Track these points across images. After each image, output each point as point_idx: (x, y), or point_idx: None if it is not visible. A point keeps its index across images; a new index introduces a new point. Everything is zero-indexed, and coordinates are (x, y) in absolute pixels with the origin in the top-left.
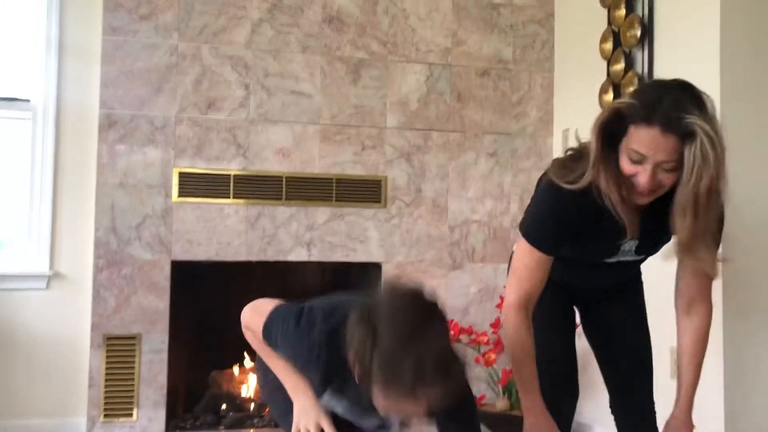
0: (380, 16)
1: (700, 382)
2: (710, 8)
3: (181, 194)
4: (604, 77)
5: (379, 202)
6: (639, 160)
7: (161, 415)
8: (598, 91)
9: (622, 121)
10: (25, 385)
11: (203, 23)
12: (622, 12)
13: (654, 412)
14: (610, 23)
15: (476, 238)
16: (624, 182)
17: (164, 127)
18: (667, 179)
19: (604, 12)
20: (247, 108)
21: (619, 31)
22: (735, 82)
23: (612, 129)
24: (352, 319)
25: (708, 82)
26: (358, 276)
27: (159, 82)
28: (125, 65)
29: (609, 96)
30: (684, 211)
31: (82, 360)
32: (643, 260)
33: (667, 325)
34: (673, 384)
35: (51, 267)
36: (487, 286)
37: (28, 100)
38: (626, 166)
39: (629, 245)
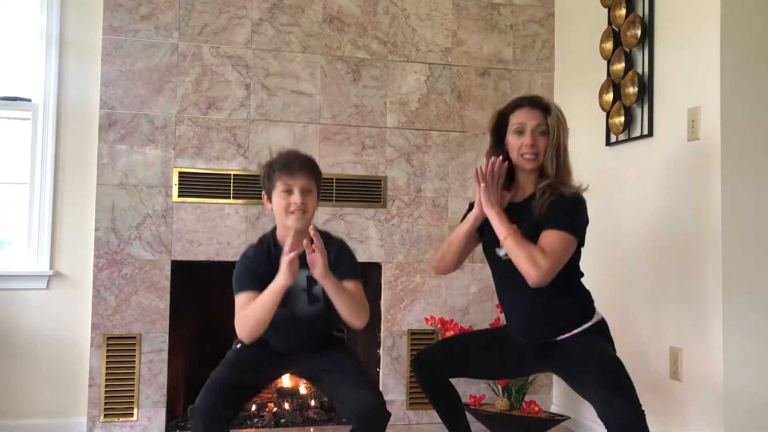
0: (380, 16)
1: (700, 383)
2: (710, 8)
3: (181, 194)
4: (604, 77)
5: (379, 202)
6: (520, 130)
7: (161, 415)
8: (598, 90)
9: (503, 119)
10: (26, 385)
11: (203, 23)
12: (623, 12)
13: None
14: (610, 23)
15: None
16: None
17: (164, 127)
18: (541, 141)
19: (605, 12)
20: (247, 108)
21: (619, 30)
22: (735, 82)
23: (498, 130)
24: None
25: (708, 82)
26: None
27: (159, 81)
28: (126, 65)
29: (609, 96)
30: (552, 157)
31: (82, 360)
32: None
33: (667, 325)
34: (674, 384)
35: (51, 267)
36: (487, 286)
37: (28, 100)
38: (513, 141)
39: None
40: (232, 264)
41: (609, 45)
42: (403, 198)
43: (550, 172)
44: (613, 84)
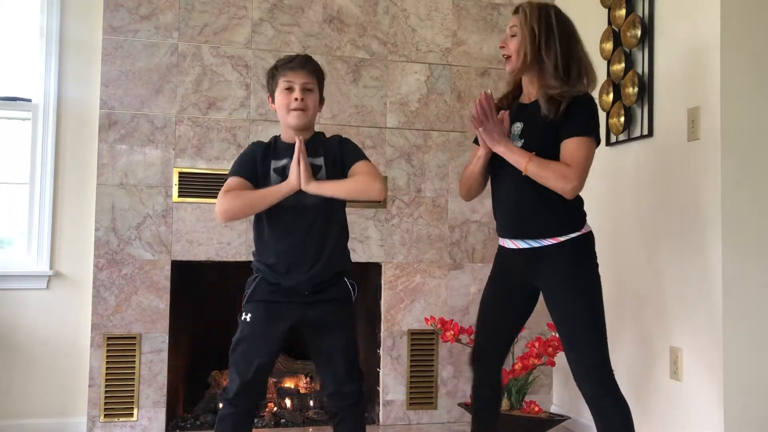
0: (380, 16)
1: (700, 383)
2: (710, 8)
3: (181, 194)
4: (604, 77)
5: (379, 201)
6: (506, 36)
7: (161, 415)
8: (598, 91)
9: None
10: (25, 385)
11: (203, 23)
12: (623, 12)
13: (593, 369)
14: (610, 23)
15: (476, 238)
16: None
17: (164, 127)
18: (511, 43)
19: (605, 12)
20: (247, 108)
21: (619, 31)
22: (735, 82)
23: None
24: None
25: (708, 82)
26: (358, 276)
27: (159, 81)
28: (126, 65)
29: (609, 96)
30: (535, 58)
31: (82, 360)
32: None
33: (667, 325)
34: (674, 384)
35: (51, 267)
36: None
37: (28, 100)
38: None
39: (517, 126)
40: (232, 264)
41: (609, 45)
42: (403, 198)
43: (537, 73)
44: (613, 84)
